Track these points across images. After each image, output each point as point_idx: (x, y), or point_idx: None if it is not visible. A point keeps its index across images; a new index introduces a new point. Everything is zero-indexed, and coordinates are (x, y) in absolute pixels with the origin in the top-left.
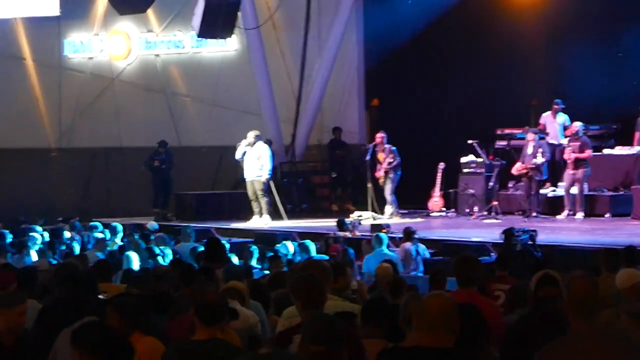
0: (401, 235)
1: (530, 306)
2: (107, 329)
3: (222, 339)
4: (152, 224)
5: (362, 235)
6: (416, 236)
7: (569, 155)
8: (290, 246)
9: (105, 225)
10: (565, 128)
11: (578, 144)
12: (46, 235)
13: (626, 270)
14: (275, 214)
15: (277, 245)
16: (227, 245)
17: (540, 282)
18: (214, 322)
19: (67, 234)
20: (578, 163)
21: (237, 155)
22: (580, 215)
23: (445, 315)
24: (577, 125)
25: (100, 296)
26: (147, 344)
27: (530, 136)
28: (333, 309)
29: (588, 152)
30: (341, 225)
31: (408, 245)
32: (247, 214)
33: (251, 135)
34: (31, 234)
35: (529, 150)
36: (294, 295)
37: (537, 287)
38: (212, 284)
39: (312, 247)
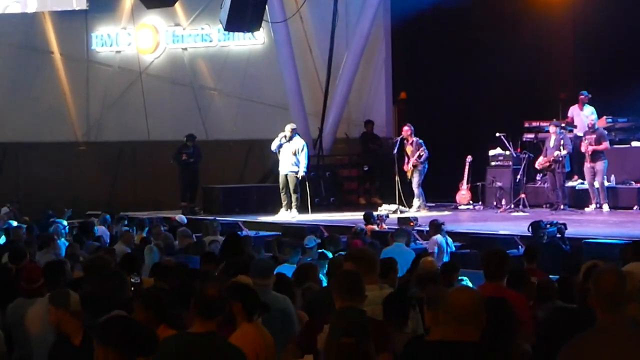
0: (428, 229)
1: (578, 297)
2: (130, 323)
3: (216, 334)
4: (180, 217)
5: (389, 228)
6: (444, 228)
7: (586, 148)
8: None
9: (132, 219)
10: None
11: (594, 136)
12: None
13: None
14: (301, 208)
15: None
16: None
17: (587, 273)
18: (210, 316)
19: (97, 228)
20: (595, 156)
21: (273, 147)
22: (606, 207)
23: (471, 309)
24: (593, 118)
25: (132, 280)
26: None
27: (552, 129)
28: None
29: (605, 144)
30: (368, 219)
31: (438, 237)
32: (274, 207)
33: (288, 128)
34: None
35: (552, 143)
36: (334, 289)
37: (584, 278)
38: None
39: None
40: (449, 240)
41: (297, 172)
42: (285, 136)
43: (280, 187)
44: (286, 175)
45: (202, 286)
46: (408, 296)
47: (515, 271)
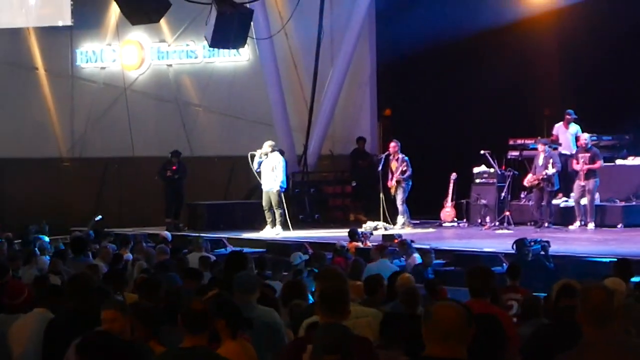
0: (414, 246)
1: (550, 316)
2: (112, 339)
3: (206, 348)
4: (166, 234)
5: (372, 245)
6: (415, 245)
7: (581, 167)
8: None
9: (117, 235)
10: (577, 138)
11: (589, 154)
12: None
13: (611, 280)
14: (284, 225)
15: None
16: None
17: (560, 292)
18: (197, 331)
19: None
20: (588, 174)
21: (254, 167)
22: (591, 225)
23: (455, 325)
24: (585, 137)
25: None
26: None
27: (540, 147)
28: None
29: (599, 163)
30: (353, 235)
31: (417, 256)
32: (259, 224)
33: (266, 145)
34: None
35: (540, 161)
36: (319, 305)
37: (557, 297)
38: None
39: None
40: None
41: (274, 189)
42: (264, 154)
43: (264, 204)
44: (268, 192)
45: (188, 301)
46: (402, 315)
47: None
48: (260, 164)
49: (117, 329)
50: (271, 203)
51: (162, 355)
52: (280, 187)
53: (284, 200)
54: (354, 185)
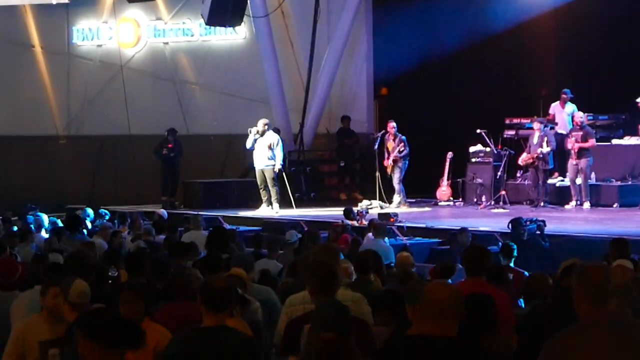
0: (410, 225)
1: (554, 294)
2: (114, 316)
3: (229, 327)
4: (162, 212)
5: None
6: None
7: (572, 145)
8: None
9: (114, 213)
10: (573, 118)
11: (581, 133)
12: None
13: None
14: (283, 203)
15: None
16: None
17: (565, 271)
18: (221, 309)
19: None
20: (581, 153)
21: (248, 145)
22: (587, 205)
23: (448, 304)
24: (580, 115)
25: (110, 273)
26: (157, 331)
27: (536, 125)
28: (341, 297)
29: (592, 142)
30: (348, 214)
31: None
32: (255, 202)
33: (261, 124)
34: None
35: (535, 139)
36: (307, 281)
37: (561, 276)
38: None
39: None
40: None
41: (273, 166)
42: (258, 131)
43: (259, 182)
44: (263, 171)
45: (209, 279)
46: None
47: (493, 267)
48: (255, 142)
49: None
50: (266, 181)
51: (184, 334)
52: (281, 165)
53: (285, 178)
54: (342, 165)
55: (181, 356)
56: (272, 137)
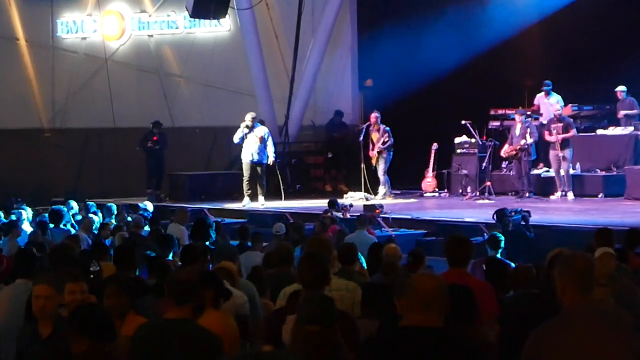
0: (395, 216)
1: (544, 284)
2: (102, 312)
3: (190, 320)
4: (146, 205)
5: (351, 216)
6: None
7: (555, 137)
8: None
9: (99, 206)
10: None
11: (561, 124)
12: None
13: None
14: (274, 195)
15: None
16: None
17: (552, 261)
18: (184, 301)
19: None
20: (563, 143)
21: (236, 139)
22: (571, 195)
23: (435, 295)
24: (557, 108)
25: (91, 268)
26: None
27: (518, 117)
28: (336, 286)
29: (572, 132)
30: (333, 206)
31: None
32: (240, 195)
33: (249, 117)
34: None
35: (517, 131)
36: (299, 275)
37: (549, 265)
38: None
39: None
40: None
41: (263, 160)
42: (247, 126)
43: (247, 176)
44: (253, 164)
45: (176, 271)
46: (382, 286)
47: (492, 260)
48: (244, 136)
49: (50, 307)
50: (255, 174)
51: (144, 326)
52: (274, 157)
53: (278, 171)
54: (329, 157)
55: (141, 346)
56: (262, 130)
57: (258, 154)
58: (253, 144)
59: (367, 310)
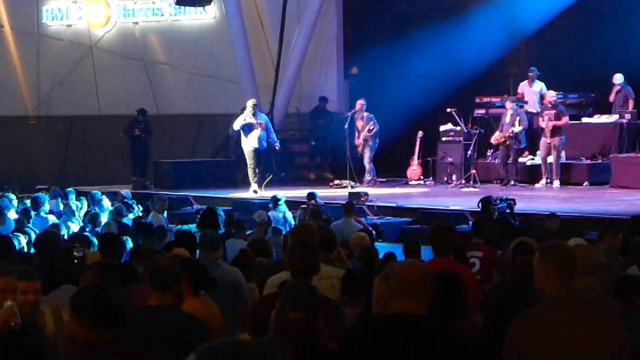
0: (380, 204)
1: (508, 274)
2: (105, 295)
3: (173, 306)
4: (126, 192)
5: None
6: (280, 203)
7: (546, 124)
8: None
9: (84, 193)
10: (542, 96)
11: (554, 111)
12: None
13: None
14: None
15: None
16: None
17: (516, 249)
18: (166, 289)
19: (47, 205)
20: (554, 131)
21: (236, 126)
22: (557, 183)
23: (419, 282)
24: (552, 94)
25: (75, 253)
26: None
27: (508, 105)
28: (326, 274)
29: (565, 120)
30: (311, 198)
31: (273, 213)
32: (226, 182)
33: (250, 104)
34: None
35: (507, 119)
36: (289, 263)
37: (513, 254)
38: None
39: None
40: (288, 215)
41: (264, 147)
42: (249, 114)
43: (251, 162)
44: (257, 151)
45: (155, 258)
46: (361, 273)
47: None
48: (248, 124)
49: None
50: (258, 161)
51: (131, 312)
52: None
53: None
54: (313, 144)
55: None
56: (263, 117)
57: (260, 141)
58: (256, 131)
59: (346, 297)
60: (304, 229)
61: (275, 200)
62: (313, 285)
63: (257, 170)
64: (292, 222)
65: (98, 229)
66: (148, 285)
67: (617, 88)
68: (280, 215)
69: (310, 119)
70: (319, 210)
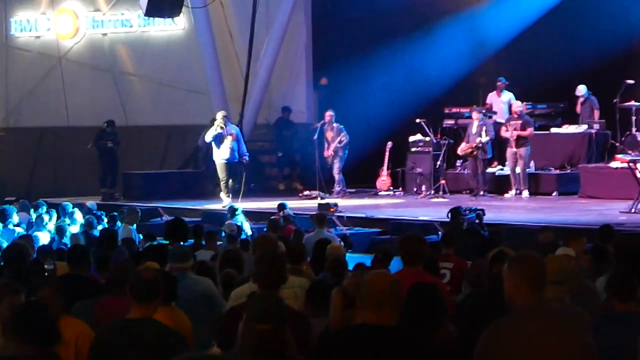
0: (350, 215)
1: (485, 283)
2: (45, 314)
3: (154, 319)
4: (91, 204)
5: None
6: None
7: (511, 134)
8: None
9: (54, 205)
10: (510, 106)
11: (520, 122)
12: None
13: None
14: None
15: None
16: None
17: (494, 258)
18: (146, 300)
19: (15, 217)
20: (520, 141)
21: (208, 138)
22: (525, 193)
23: (389, 293)
24: (518, 105)
25: (46, 266)
26: (76, 326)
27: (475, 115)
28: (289, 283)
29: (529, 130)
30: (281, 209)
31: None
32: (195, 193)
33: (220, 116)
34: None
35: (474, 129)
36: (256, 274)
37: (491, 264)
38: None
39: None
40: (245, 225)
41: (235, 159)
42: (220, 126)
43: (223, 176)
44: (228, 163)
45: (138, 270)
46: (328, 283)
47: (427, 258)
48: (219, 135)
49: None
50: (231, 173)
51: (109, 326)
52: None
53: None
54: (280, 156)
55: (105, 347)
56: (234, 128)
57: (232, 152)
58: (227, 143)
59: (311, 307)
60: (264, 240)
61: (232, 210)
62: (280, 297)
63: (229, 184)
64: (249, 233)
65: (65, 240)
66: (114, 298)
67: (581, 100)
68: (238, 224)
69: (274, 129)
70: (277, 222)
